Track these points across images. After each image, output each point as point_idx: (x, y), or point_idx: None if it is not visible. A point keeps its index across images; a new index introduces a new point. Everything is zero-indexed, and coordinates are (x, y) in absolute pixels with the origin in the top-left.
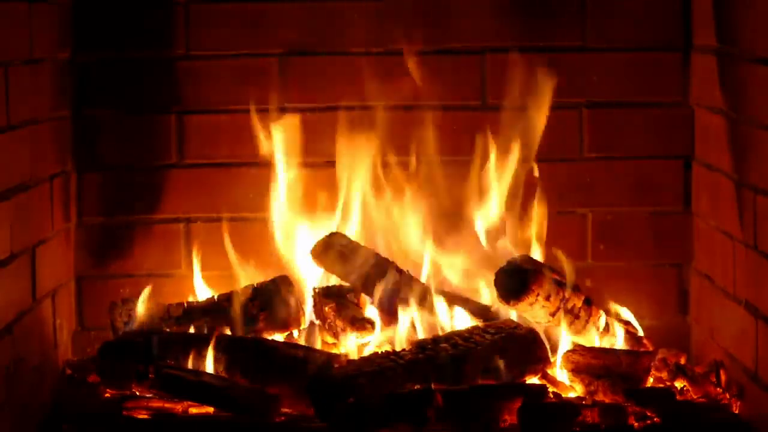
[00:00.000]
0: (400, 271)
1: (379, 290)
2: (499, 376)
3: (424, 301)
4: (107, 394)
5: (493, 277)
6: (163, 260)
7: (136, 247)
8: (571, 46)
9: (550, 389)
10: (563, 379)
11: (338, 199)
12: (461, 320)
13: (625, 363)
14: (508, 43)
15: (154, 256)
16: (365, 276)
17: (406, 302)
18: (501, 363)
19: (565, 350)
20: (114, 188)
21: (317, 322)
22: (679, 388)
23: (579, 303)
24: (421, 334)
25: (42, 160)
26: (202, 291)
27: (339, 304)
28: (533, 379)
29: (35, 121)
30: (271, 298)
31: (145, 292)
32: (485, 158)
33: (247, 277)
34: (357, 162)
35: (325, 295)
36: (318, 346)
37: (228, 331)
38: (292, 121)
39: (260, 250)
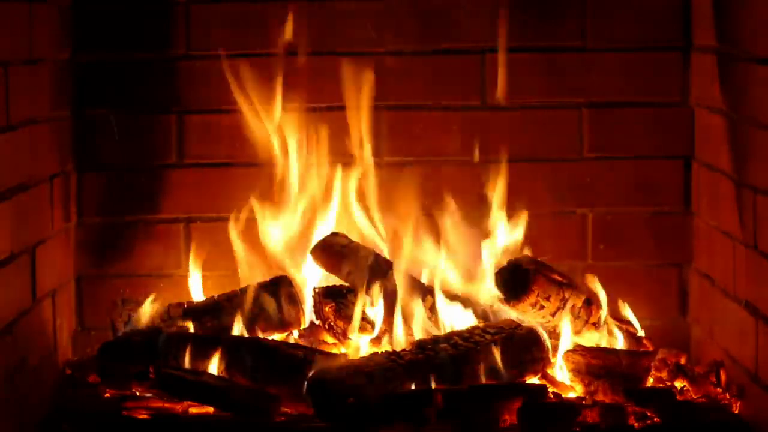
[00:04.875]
0: None
1: (379, 290)
2: (499, 376)
3: (425, 301)
4: (107, 394)
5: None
6: (163, 260)
7: (136, 247)
8: (571, 46)
9: (550, 389)
10: (563, 379)
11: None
12: (461, 320)
13: (625, 363)
14: (507, 43)
15: (154, 256)
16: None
17: (405, 302)
18: (501, 363)
19: (565, 350)
20: (114, 188)
21: (317, 322)
22: (679, 388)
23: (579, 303)
24: (421, 334)
25: (42, 160)
26: (202, 291)
27: (339, 304)
28: (533, 379)
29: (35, 121)
30: (271, 298)
31: (150, 298)
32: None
33: (247, 277)
34: (358, 162)
35: (325, 295)
36: (318, 346)
37: (228, 331)
38: (293, 120)
39: (260, 250)
